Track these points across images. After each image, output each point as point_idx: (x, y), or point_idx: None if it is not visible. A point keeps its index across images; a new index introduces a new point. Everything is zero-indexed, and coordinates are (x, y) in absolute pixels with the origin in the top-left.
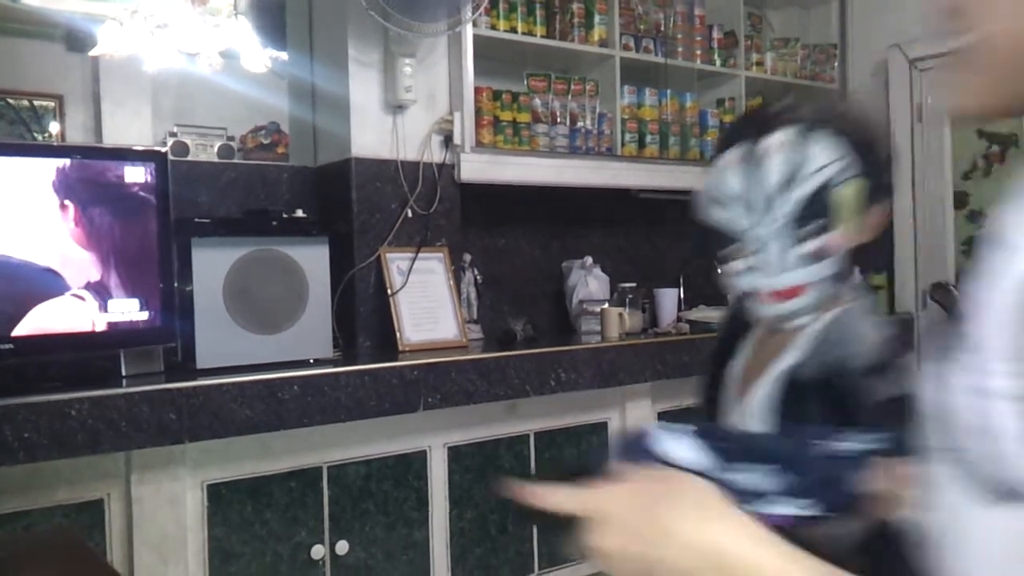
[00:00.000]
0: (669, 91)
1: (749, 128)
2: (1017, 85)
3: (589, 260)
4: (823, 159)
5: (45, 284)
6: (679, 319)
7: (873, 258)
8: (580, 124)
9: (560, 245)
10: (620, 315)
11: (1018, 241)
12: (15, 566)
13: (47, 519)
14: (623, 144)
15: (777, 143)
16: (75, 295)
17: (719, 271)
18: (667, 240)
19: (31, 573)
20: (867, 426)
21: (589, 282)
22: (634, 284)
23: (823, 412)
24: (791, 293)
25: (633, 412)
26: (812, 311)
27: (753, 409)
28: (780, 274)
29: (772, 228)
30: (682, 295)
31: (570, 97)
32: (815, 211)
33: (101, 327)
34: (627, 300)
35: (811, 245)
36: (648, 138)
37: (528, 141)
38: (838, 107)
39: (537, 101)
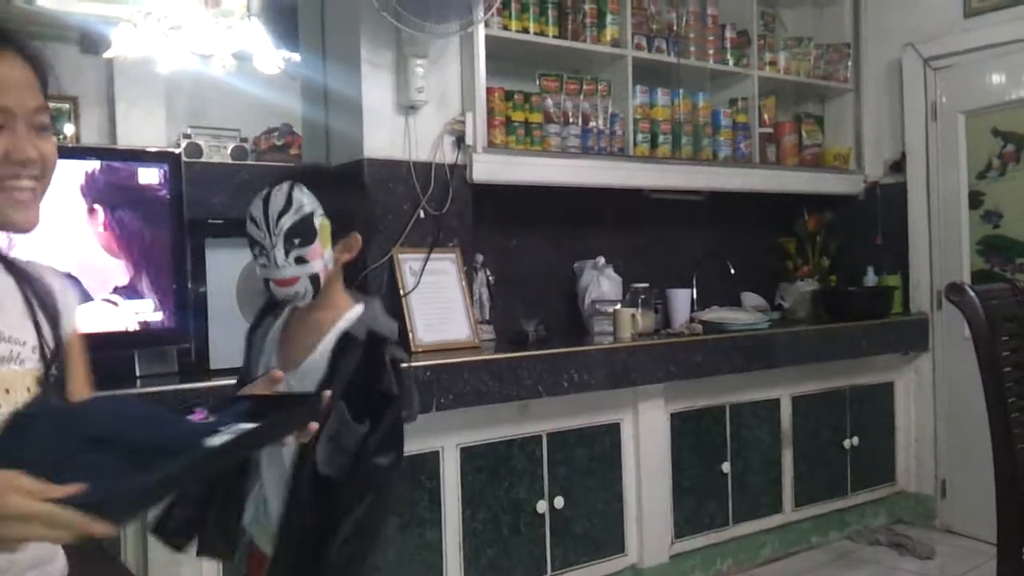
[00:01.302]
0: (682, 91)
1: (273, 179)
2: None
3: (601, 260)
4: (307, 201)
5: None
6: (692, 319)
7: (355, 270)
8: (592, 124)
9: (572, 245)
10: (633, 316)
11: None
12: None
13: None
14: (635, 144)
15: (283, 190)
16: (107, 300)
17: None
18: (679, 240)
19: None
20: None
21: (601, 282)
22: (647, 284)
23: (362, 362)
24: (288, 282)
25: (646, 413)
26: (303, 296)
27: (312, 365)
28: (281, 269)
29: (275, 240)
30: (695, 295)
31: (582, 97)
32: (300, 232)
33: (116, 328)
34: (640, 300)
35: (297, 252)
36: (660, 138)
37: (540, 141)
38: (325, 173)
39: (549, 101)
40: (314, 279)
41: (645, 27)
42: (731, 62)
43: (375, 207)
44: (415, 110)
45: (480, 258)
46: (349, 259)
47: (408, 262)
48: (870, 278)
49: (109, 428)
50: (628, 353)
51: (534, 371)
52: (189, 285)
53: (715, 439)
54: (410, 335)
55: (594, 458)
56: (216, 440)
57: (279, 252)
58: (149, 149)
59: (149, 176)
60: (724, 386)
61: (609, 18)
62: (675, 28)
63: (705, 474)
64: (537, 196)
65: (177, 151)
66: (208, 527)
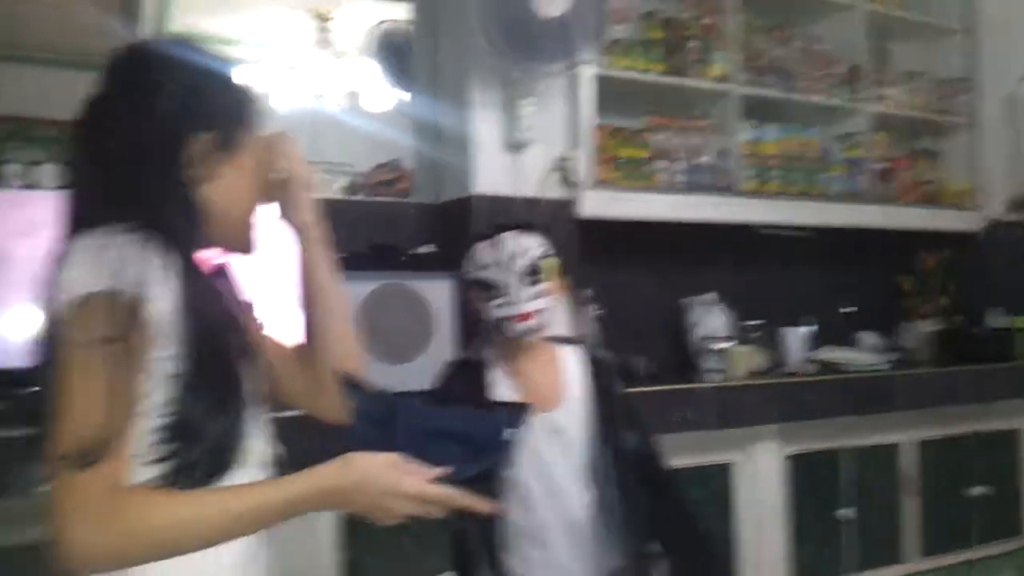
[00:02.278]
0: (792, 126)
1: (491, 230)
2: None
3: (712, 296)
4: (534, 244)
5: None
6: (808, 359)
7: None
8: (699, 160)
9: (680, 281)
10: (745, 353)
11: None
12: None
13: None
14: (743, 180)
15: (508, 235)
16: None
17: (481, 310)
18: (792, 277)
19: None
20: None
21: (711, 319)
22: (759, 322)
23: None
24: (528, 316)
25: (759, 454)
26: (538, 330)
27: (568, 407)
28: (521, 304)
29: (513, 278)
30: (810, 334)
31: (689, 133)
32: (535, 271)
33: None
34: (752, 338)
35: (535, 289)
36: (771, 173)
37: (647, 177)
38: (528, 226)
39: (656, 137)
40: (549, 313)
41: (753, 62)
42: (842, 97)
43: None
44: (523, 148)
45: (588, 292)
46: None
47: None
48: (992, 319)
49: (441, 421)
50: (740, 392)
51: (644, 408)
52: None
53: (832, 484)
54: None
55: (705, 500)
56: (506, 435)
57: (518, 289)
58: None
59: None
60: (841, 429)
61: (716, 54)
62: (784, 63)
63: (820, 520)
64: (644, 232)
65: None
66: None
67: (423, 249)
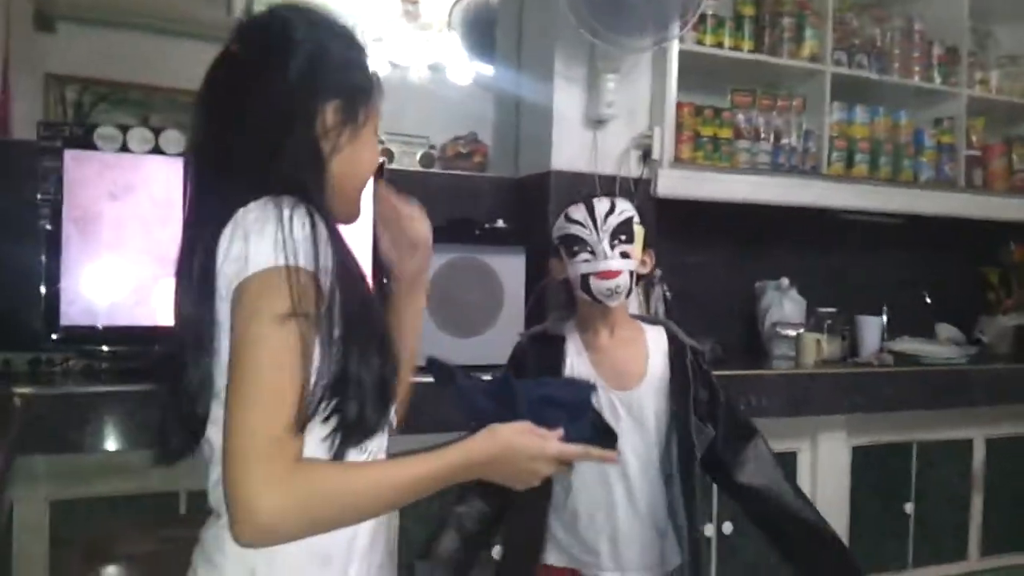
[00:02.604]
0: (882, 108)
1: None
2: None
3: (786, 281)
4: (628, 207)
5: None
6: (882, 349)
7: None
8: (784, 140)
9: (754, 265)
10: (817, 341)
11: None
12: None
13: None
14: (830, 163)
15: (605, 198)
16: None
17: (570, 264)
18: (871, 265)
19: None
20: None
21: (784, 304)
22: (834, 309)
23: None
24: (613, 274)
25: (826, 444)
26: (620, 291)
27: (646, 388)
28: (608, 260)
29: (602, 235)
30: (886, 324)
31: (775, 113)
32: (624, 231)
33: None
34: (825, 326)
35: (623, 248)
36: (858, 157)
37: (728, 157)
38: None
39: (740, 117)
40: (632, 276)
41: (846, 42)
42: (938, 80)
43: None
44: (604, 124)
45: (658, 273)
46: (643, 273)
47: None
48: None
49: (545, 389)
50: (810, 380)
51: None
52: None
53: (899, 477)
54: None
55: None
56: (593, 399)
57: (606, 245)
58: None
59: None
60: (913, 422)
61: (809, 32)
62: (878, 43)
63: (886, 513)
64: (721, 212)
65: (382, 159)
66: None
67: (498, 223)
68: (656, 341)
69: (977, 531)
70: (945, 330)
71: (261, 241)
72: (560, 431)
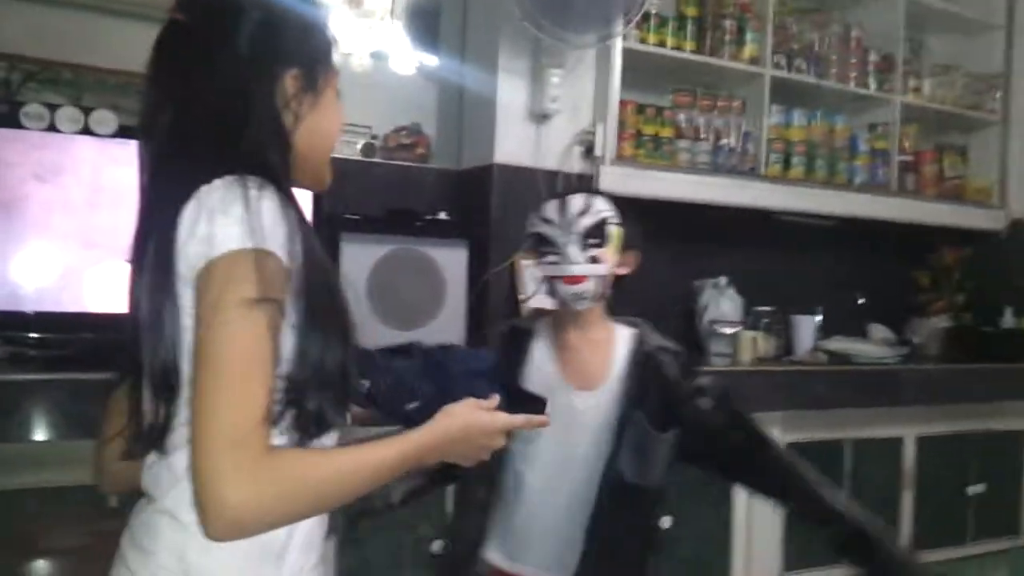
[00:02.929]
0: (820, 112)
1: (561, 192)
2: None
3: (723, 280)
4: (604, 207)
5: None
6: (816, 348)
7: (626, 287)
8: (724, 141)
9: (693, 263)
10: (754, 339)
11: None
12: None
13: None
14: (767, 164)
15: (580, 196)
16: None
17: (536, 264)
18: (807, 266)
19: None
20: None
21: (722, 303)
22: (770, 308)
23: (655, 377)
24: (578, 280)
25: None
26: (587, 298)
27: (610, 385)
28: (573, 266)
29: (571, 238)
30: (820, 324)
31: (715, 113)
32: (596, 233)
33: None
34: (762, 324)
35: (592, 252)
36: (794, 159)
37: (669, 156)
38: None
39: (681, 116)
40: (600, 281)
41: (786, 46)
42: (873, 86)
43: (643, 239)
44: (547, 118)
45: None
46: (622, 275)
47: (528, 269)
48: (1008, 319)
49: (467, 364)
50: (747, 377)
51: None
52: None
53: (831, 475)
54: None
55: (702, 479)
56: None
57: (574, 249)
58: None
59: None
60: (845, 420)
61: (749, 35)
62: (817, 48)
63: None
64: (661, 211)
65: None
66: (452, 555)
67: (440, 215)
68: (625, 344)
69: (908, 527)
70: (877, 330)
71: (227, 221)
72: (496, 400)
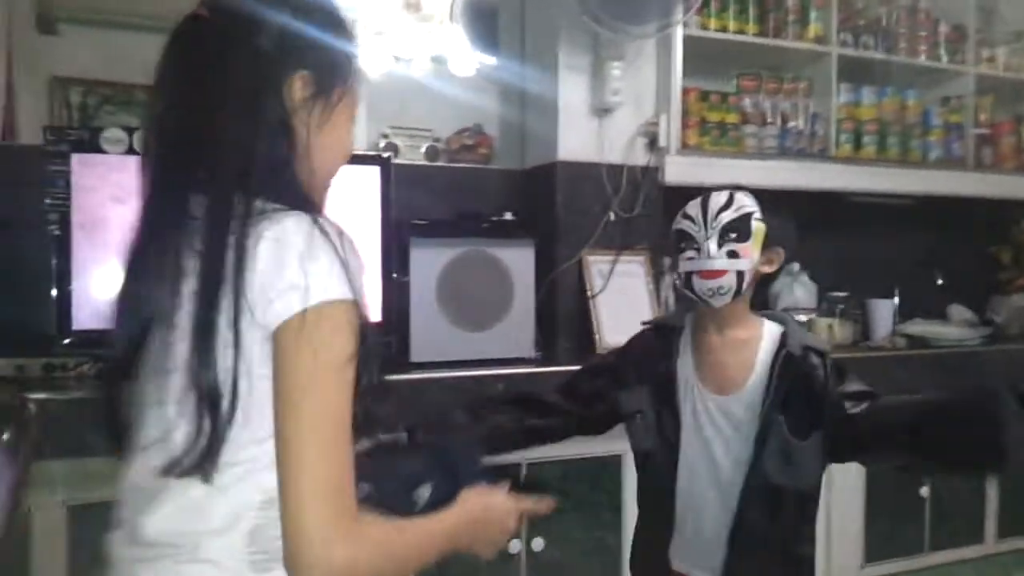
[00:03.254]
0: (890, 89)
1: (706, 190)
2: None
3: (796, 266)
4: (748, 202)
5: None
6: (894, 332)
7: (769, 283)
8: (791, 124)
9: None
10: (829, 326)
11: None
12: None
13: None
14: (838, 145)
15: (724, 191)
16: None
17: (678, 260)
18: (882, 248)
19: None
20: None
21: (795, 289)
22: (845, 293)
23: (802, 385)
24: (716, 274)
25: None
26: (725, 292)
27: (755, 387)
28: (712, 260)
29: (711, 232)
30: (897, 307)
31: (782, 96)
32: (737, 228)
33: None
34: (837, 310)
35: (731, 247)
36: (865, 138)
37: (736, 143)
38: (756, 191)
39: (747, 101)
40: (740, 276)
41: (851, 22)
42: (944, 58)
43: (796, 233)
44: (609, 112)
45: (668, 261)
46: (768, 272)
47: (596, 264)
48: None
49: (469, 458)
50: None
51: None
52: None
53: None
54: (596, 337)
55: None
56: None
57: (712, 243)
58: (362, 152)
59: (362, 177)
60: None
61: (813, 14)
62: (884, 23)
63: (902, 497)
64: None
65: (387, 155)
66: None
67: (506, 216)
68: (769, 344)
69: (993, 515)
70: (958, 311)
71: (316, 266)
72: (507, 484)
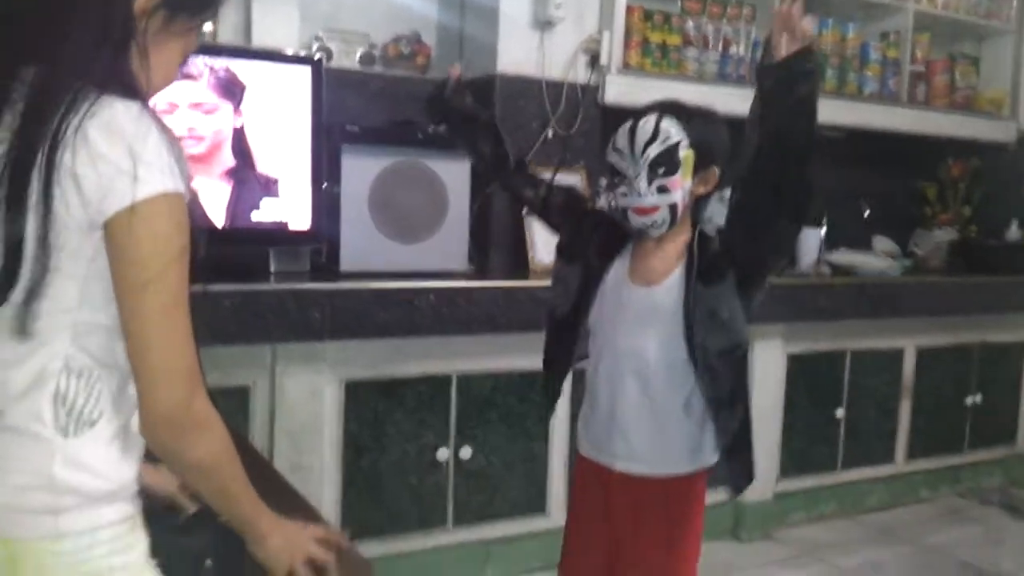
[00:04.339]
0: (831, 20)
1: (636, 112)
2: None
3: (728, 192)
4: (673, 131)
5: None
6: (819, 261)
7: (708, 199)
8: (733, 50)
9: None
10: None
11: None
12: None
13: None
14: None
15: (650, 120)
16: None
17: (606, 195)
18: (813, 178)
19: None
20: None
21: (722, 215)
22: None
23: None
24: (649, 211)
25: (762, 352)
26: (659, 226)
27: (667, 284)
28: (643, 198)
29: (639, 169)
30: (824, 236)
31: (725, 21)
32: (664, 162)
33: (253, 224)
34: None
35: (660, 182)
36: None
37: (677, 65)
38: (689, 106)
39: (690, 23)
40: (673, 209)
41: None
42: None
43: (733, 141)
44: (552, 26)
45: (604, 181)
46: (704, 193)
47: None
48: (1013, 232)
49: None
50: None
51: None
52: (324, 189)
53: (832, 384)
54: (529, 255)
55: None
56: None
57: (642, 181)
58: (288, 52)
59: (292, 80)
60: (847, 331)
61: None
62: None
63: (818, 417)
64: None
65: (319, 56)
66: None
67: (442, 128)
68: (689, 244)
69: (904, 436)
70: (882, 243)
71: (147, 156)
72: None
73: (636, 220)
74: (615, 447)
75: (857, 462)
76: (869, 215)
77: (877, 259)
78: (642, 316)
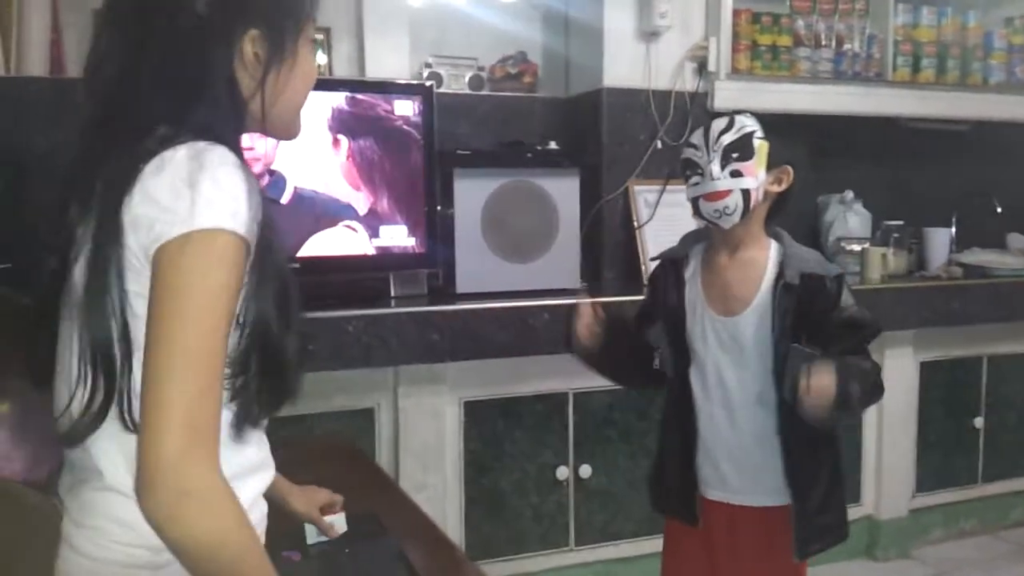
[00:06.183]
0: (950, 9)
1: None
2: None
3: (850, 194)
4: (749, 123)
5: (326, 213)
6: (950, 262)
7: (785, 204)
8: (847, 47)
9: (816, 178)
10: (883, 256)
11: None
12: (301, 463)
13: (325, 423)
14: (895, 68)
15: (725, 116)
16: (347, 225)
17: (686, 188)
18: (939, 175)
19: (315, 470)
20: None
21: (848, 218)
22: (900, 222)
23: (803, 307)
24: (721, 195)
25: (893, 360)
26: (732, 212)
27: (749, 317)
28: (715, 182)
29: (713, 155)
30: (954, 236)
31: (837, 18)
32: (738, 148)
33: (373, 252)
34: (892, 239)
35: (734, 166)
36: (924, 61)
37: (789, 66)
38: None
39: (800, 23)
40: (746, 195)
41: None
42: None
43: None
44: (657, 36)
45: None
46: (778, 191)
47: (643, 194)
48: None
49: None
50: (876, 296)
51: None
52: (438, 213)
53: (968, 392)
54: (643, 268)
55: None
56: None
57: (715, 165)
58: (401, 81)
59: (402, 108)
60: (982, 336)
61: None
62: None
63: (954, 428)
64: (780, 125)
65: (429, 83)
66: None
67: (551, 145)
68: (775, 265)
69: None
70: (1016, 240)
71: (199, 193)
72: None
73: (707, 208)
74: (705, 474)
75: (999, 474)
76: (1001, 212)
77: (1012, 257)
78: (726, 346)
